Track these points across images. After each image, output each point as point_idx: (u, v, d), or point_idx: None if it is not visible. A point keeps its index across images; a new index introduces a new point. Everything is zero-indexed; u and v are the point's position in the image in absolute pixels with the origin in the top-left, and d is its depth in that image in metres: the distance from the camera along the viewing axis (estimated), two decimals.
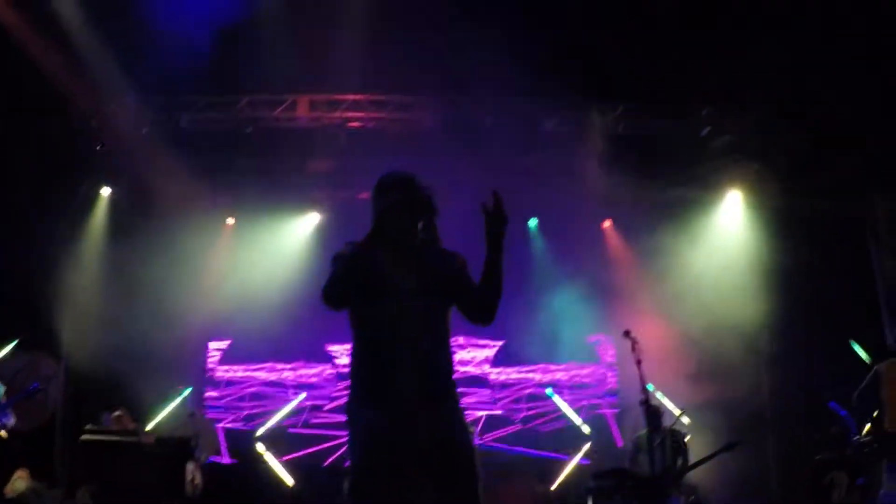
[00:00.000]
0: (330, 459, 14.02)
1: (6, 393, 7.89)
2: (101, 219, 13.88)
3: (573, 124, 13.04)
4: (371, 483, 4.01)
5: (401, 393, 4.07)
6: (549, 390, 14.82)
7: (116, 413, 12.18)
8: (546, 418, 14.81)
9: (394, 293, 4.18)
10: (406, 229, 4.28)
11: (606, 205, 14.44)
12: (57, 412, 12.54)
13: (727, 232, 14.14)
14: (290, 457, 14.25)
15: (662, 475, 9.34)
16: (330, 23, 11.45)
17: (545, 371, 15.02)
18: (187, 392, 13.79)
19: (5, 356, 11.42)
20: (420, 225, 4.32)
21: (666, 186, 14.08)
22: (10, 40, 10.93)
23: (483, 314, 4.34)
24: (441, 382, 4.20)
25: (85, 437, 11.30)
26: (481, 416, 14.47)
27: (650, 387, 8.24)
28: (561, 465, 14.16)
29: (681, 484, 9.69)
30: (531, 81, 11.60)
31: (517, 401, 14.92)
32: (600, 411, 14.82)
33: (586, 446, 14.32)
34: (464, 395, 4.17)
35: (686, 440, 10.27)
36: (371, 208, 4.32)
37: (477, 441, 13.33)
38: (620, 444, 14.06)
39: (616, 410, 14.63)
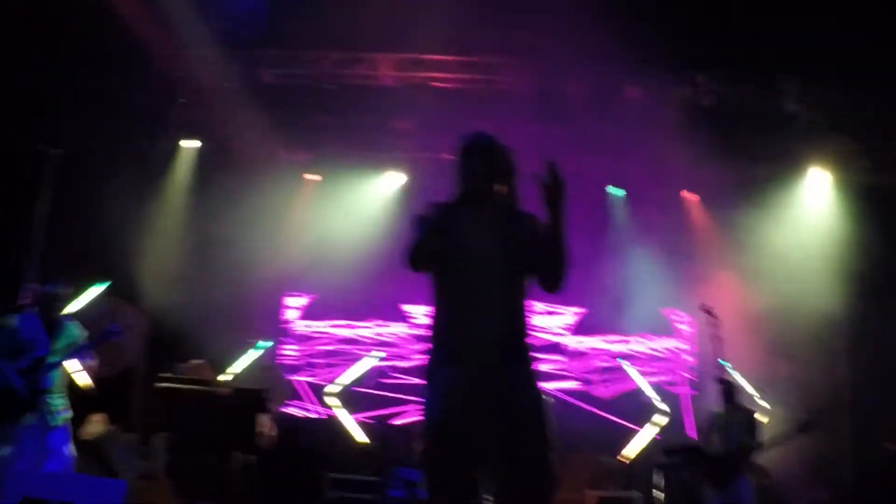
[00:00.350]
0: (402, 419, 14.06)
1: (88, 337, 8.00)
2: (183, 172, 14.04)
3: (657, 93, 12.83)
4: (443, 445, 4.02)
5: (478, 354, 4.06)
6: (624, 363, 14.70)
7: (196, 362, 12.38)
8: (620, 389, 14.71)
9: (474, 257, 4.17)
10: (487, 192, 4.28)
11: (688, 176, 14.24)
12: (136, 360, 12.73)
13: (811, 209, 13.85)
14: (362, 414, 14.35)
15: (734, 454, 9.21)
16: None
17: (621, 341, 14.91)
18: (266, 346, 13.95)
19: (92, 301, 11.60)
20: (501, 188, 4.30)
21: (749, 160, 13.86)
22: None
23: (550, 283, 4.30)
24: (517, 345, 4.18)
25: (161, 384, 11.50)
26: (555, 384, 14.42)
27: (726, 364, 8.10)
28: (631, 436, 14.08)
29: (752, 465, 9.55)
30: (616, 49, 11.45)
31: (591, 370, 14.84)
32: (675, 389, 14.67)
33: (658, 419, 14.21)
34: (539, 360, 4.10)
35: (759, 421, 10.10)
36: (454, 170, 4.28)
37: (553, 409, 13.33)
38: (690, 426, 13.91)
39: (692, 391, 14.44)
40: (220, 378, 12.78)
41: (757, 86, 12.89)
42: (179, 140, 14.09)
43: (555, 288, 4.29)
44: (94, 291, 11.81)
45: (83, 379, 8.29)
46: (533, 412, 4.08)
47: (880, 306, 12.67)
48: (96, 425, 10.20)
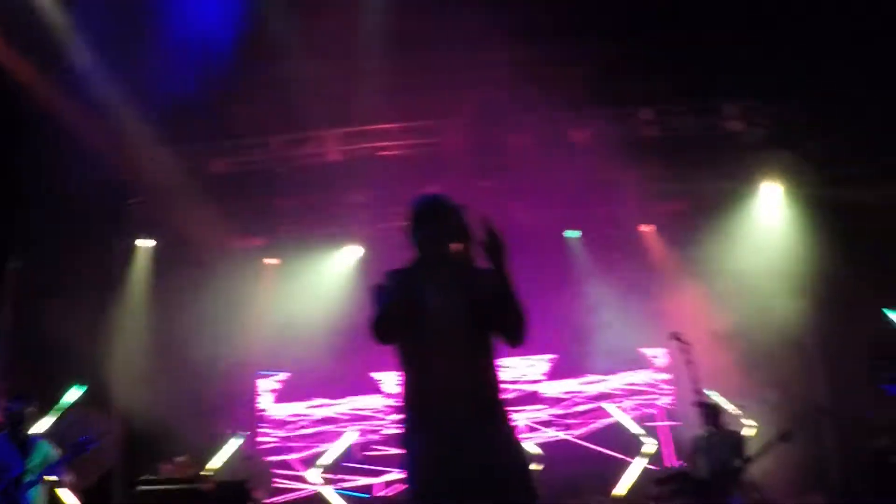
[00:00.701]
0: (386, 491, 14.01)
1: (63, 451, 7.93)
2: (141, 270, 13.96)
3: (602, 131, 12.97)
4: None
5: (450, 417, 4.07)
6: (604, 402, 14.77)
7: (179, 459, 12.29)
8: (602, 428, 14.74)
9: (437, 319, 4.18)
10: (443, 255, 4.29)
11: (645, 209, 14.41)
12: (113, 466, 12.59)
13: (767, 224, 13.99)
14: (347, 491, 14.27)
15: (721, 475, 9.27)
16: (350, 56, 11.51)
17: (597, 381, 14.97)
18: (243, 435, 13.89)
19: (63, 412, 11.51)
20: (457, 247, 4.31)
21: (701, 185, 14.03)
22: (37, 99, 11.04)
23: (509, 338, 4.31)
24: (489, 404, 4.18)
25: (140, 487, 11.39)
26: (535, 431, 14.42)
27: (704, 388, 8.16)
28: (620, 473, 14.09)
29: (741, 482, 9.60)
30: (555, 93, 11.62)
31: (571, 414, 14.86)
32: (655, 419, 14.73)
33: (645, 452, 14.25)
34: (516, 411, 4.14)
35: (743, 438, 10.17)
36: (408, 236, 4.33)
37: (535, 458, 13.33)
38: (673, 455, 13.96)
39: (672, 420, 14.49)
40: (204, 472, 12.67)
41: (697, 110, 13.06)
42: (135, 239, 14.06)
43: (515, 342, 4.30)
44: (71, 395, 11.71)
45: (64, 494, 8.24)
46: (515, 467, 4.08)
47: (842, 310, 12.79)
48: None
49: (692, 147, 13.24)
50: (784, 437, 9.33)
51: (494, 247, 4.18)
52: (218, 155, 12.97)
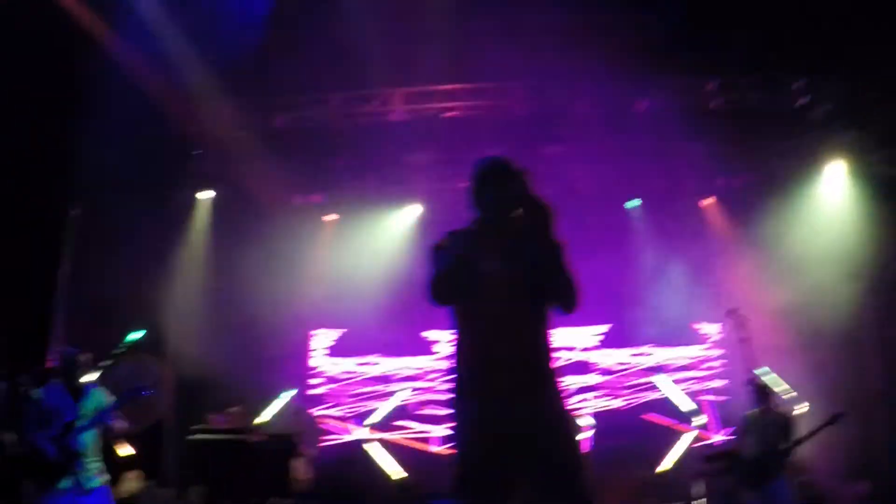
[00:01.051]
0: (435, 449, 14.08)
1: (118, 396, 8.00)
2: (202, 222, 14.09)
3: (667, 102, 12.83)
4: (475, 474, 4.01)
5: (500, 383, 4.05)
6: (656, 375, 14.71)
7: (233, 409, 12.45)
8: (653, 402, 14.68)
9: (494, 285, 4.16)
10: (505, 219, 4.26)
11: (706, 182, 14.28)
12: (165, 415, 12.76)
13: (830, 203, 13.79)
14: (396, 449, 14.37)
15: (770, 456, 9.19)
16: (417, 14, 11.47)
17: (649, 354, 14.90)
18: (294, 389, 14.01)
19: (120, 357, 11.65)
20: (518, 212, 4.28)
21: (765, 160, 13.87)
22: (102, 50, 11.11)
23: (561, 306, 4.30)
24: (540, 372, 4.16)
25: (193, 437, 11.56)
26: (587, 403, 14.39)
27: (761, 368, 8.08)
28: (667, 448, 14.05)
29: (788, 464, 9.52)
30: (621, 62, 11.50)
31: (622, 385, 14.81)
32: (707, 396, 14.64)
33: (692, 428, 14.20)
34: (567, 381, 4.12)
35: (793, 420, 10.08)
36: (469, 198, 4.30)
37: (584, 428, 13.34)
38: (725, 432, 13.89)
39: (724, 397, 14.41)
40: (254, 424, 12.81)
41: (765, 85, 12.85)
42: (196, 191, 14.16)
43: (568, 309, 4.29)
44: (129, 341, 11.84)
45: (117, 440, 8.35)
46: (562, 436, 4.08)
47: None
48: (132, 483, 10.24)
49: (757, 121, 13.07)
50: (834, 419, 9.23)
51: (540, 216, 4.17)
52: (280, 110, 12.98)
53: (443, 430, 14.08)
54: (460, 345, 4.28)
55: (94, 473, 7.77)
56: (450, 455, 4.19)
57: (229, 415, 12.45)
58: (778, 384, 11.87)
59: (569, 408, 4.17)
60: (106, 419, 7.89)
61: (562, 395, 4.20)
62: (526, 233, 4.28)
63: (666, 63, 12.09)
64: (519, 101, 12.88)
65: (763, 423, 9.31)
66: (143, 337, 11.91)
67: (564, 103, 12.80)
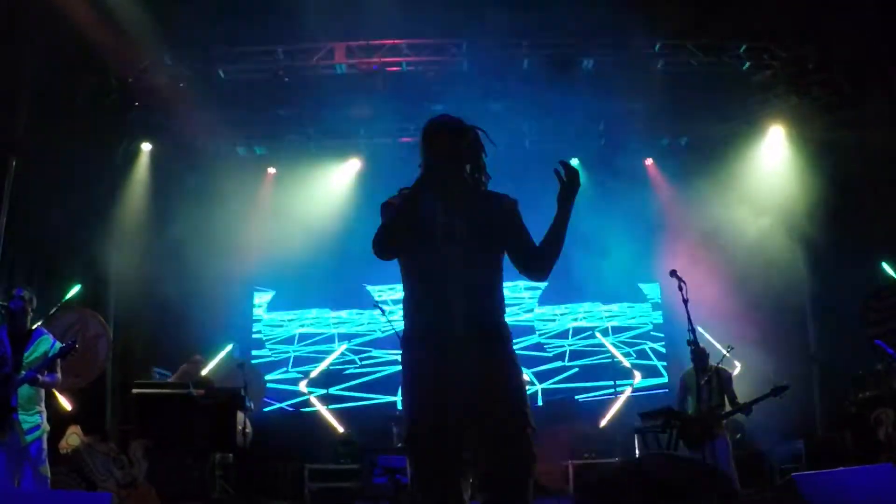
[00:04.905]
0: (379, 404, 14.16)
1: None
2: (143, 174, 13.89)
3: (611, 62, 12.85)
4: (423, 429, 4.01)
5: (450, 334, 4.05)
6: (597, 333, 14.88)
7: (196, 358, 12.44)
8: (593, 359, 14.85)
9: (444, 238, 4.15)
10: (454, 173, 4.26)
11: (649, 142, 14.39)
12: (107, 369, 12.65)
13: (771, 166, 13.95)
14: (339, 405, 14.40)
15: (708, 414, 9.35)
16: None
17: (590, 311, 15.05)
18: (234, 344, 13.98)
19: (56, 312, 11.49)
20: (468, 168, 4.30)
21: (707, 123, 14.00)
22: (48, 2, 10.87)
23: (540, 268, 4.35)
24: (491, 324, 4.17)
25: (136, 390, 11.49)
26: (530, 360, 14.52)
27: (696, 327, 8.16)
28: (608, 404, 14.24)
29: (726, 423, 9.71)
30: (571, 19, 11.51)
31: (563, 344, 14.95)
32: (646, 354, 14.85)
33: (633, 384, 14.42)
34: (514, 337, 4.13)
35: (731, 379, 10.24)
36: (420, 153, 4.28)
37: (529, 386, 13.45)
38: (663, 390, 14.11)
39: (662, 356, 14.63)
40: (203, 375, 12.81)
41: (709, 48, 12.89)
42: (138, 143, 13.95)
43: (542, 275, 4.37)
44: (68, 295, 11.70)
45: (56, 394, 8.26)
46: (510, 388, 4.07)
47: (839, 258, 12.79)
48: (73, 437, 10.16)
49: (700, 85, 13.15)
50: (776, 392, 9.40)
51: (572, 187, 4.22)
52: (223, 61, 12.80)
53: (387, 385, 14.15)
54: (409, 297, 4.27)
55: (32, 426, 7.65)
56: (396, 411, 4.20)
57: (188, 364, 12.46)
58: (716, 344, 12.06)
59: (517, 362, 4.19)
60: (46, 371, 7.73)
61: (511, 348, 4.21)
62: (477, 187, 4.32)
63: (610, 24, 12.09)
64: (461, 57, 12.82)
65: (702, 383, 9.45)
66: (78, 292, 11.80)
67: (507, 59, 12.76)
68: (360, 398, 14.51)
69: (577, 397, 14.39)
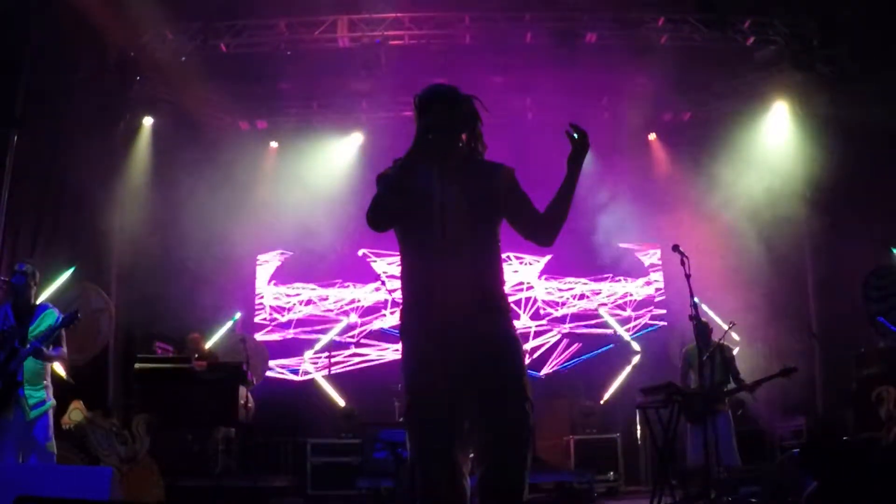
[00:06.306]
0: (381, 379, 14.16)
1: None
2: (145, 149, 13.82)
3: (615, 37, 12.77)
4: (423, 401, 4.00)
5: (448, 306, 4.01)
6: (600, 308, 14.88)
7: (193, 335, 12.43)
8: (594, 333, 14.86)
9: (439, 209, 4.11)
10: (449, 142, 4.22)
11: (652, 118, 14.33)
12: (109, 343, 12.64)
13: (774, 143, 13.89)
14: (341, 378, 14.41)
15: (711, 390, 9.35)
16: None
17: (592, 285, 15.04)
18: (236, 317, 13.99)
19: (59, 287, 11.50)
20: (464, 137, 4.27)
21: (711, 98, 13.94)
22: None
23: (548, 233, 4.31)
24: (489, 294, 4.14)
25: (138, 365, 11.49)
26: (529, 333, 14.51)
27: (698, 302, 8.15)
28: (609, 379, 14.25)
29: (728, 399, 9.72)
30: None
31: (565, 316, 14.95)
32: (648, 326, 14.85)
33: (635, 359, 14.42)
34: (513, 310, 4.10)
35: (733, 355, 10.24)
36: (415, 124, 4.24)
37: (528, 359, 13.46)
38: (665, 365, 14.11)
39: (666, 331, 14.61)
40: (207, 349, 12.83)
41: (713, 23, 12.80)
42: (140, 117, 13.89)
43: (549, 239, 4.33)
44: (63, 277, 11.70)
45: (58, 368, 8.24)
46: (509, 361, 4.04)
47: (842, 235, 12.75)
48: (76, 413, 10.15)
49: (703, 60, 13.07)
50: (785, 373, 9.41)
51: (582, 148, 4.18)
52: (224, 35, 12.75)
53: (388, 358, 14.17)
54: (406, 270, 4.24)
55: (38, 401, 7.65)
56: (396, 383, 4.18)
57: (187, 340, 12.47)
58: (717, 319, 12.05)
59: (516, 335, 4.17)
60: (50, 345, 7.73)
61: (511, 321, 4.18)
62: (475, 157, 4.29)
63: None
64: (464, 31, 12.76)
65: (704, 358, 9.44)
66: (78, 270, 11.80)
67: (510, 34, 12.69)
68: (362, 371, 14.52)
69: (577, 371, 14.38)
